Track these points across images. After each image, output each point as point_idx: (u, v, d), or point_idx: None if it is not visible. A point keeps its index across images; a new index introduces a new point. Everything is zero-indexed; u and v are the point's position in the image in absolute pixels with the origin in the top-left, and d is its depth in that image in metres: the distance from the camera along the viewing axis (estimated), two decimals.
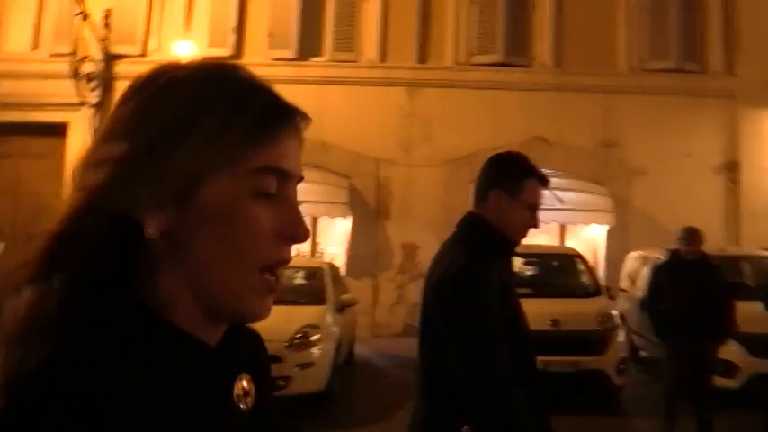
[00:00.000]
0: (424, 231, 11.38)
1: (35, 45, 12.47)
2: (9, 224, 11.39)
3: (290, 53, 12.35)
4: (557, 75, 12.27)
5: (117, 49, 12.14)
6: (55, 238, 0.69)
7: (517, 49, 12.44)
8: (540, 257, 8.66)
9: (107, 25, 11.64)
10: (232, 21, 12.46)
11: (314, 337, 6.77)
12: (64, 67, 10.77)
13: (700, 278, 5.54)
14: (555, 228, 11.66)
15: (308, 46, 12.48)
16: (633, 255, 9.73)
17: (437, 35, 12.52)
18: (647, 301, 6.08)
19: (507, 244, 2.15)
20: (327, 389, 6.85)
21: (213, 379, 0.74)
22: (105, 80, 11.94)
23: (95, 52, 11.47)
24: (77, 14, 10.60)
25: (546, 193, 2.21)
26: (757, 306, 5.73)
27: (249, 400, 0.78)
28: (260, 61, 11.58)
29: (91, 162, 0.71)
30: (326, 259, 10.42)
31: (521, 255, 7.43)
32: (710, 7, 12.39)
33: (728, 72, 12.24)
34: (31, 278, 0.67)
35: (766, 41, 11.95)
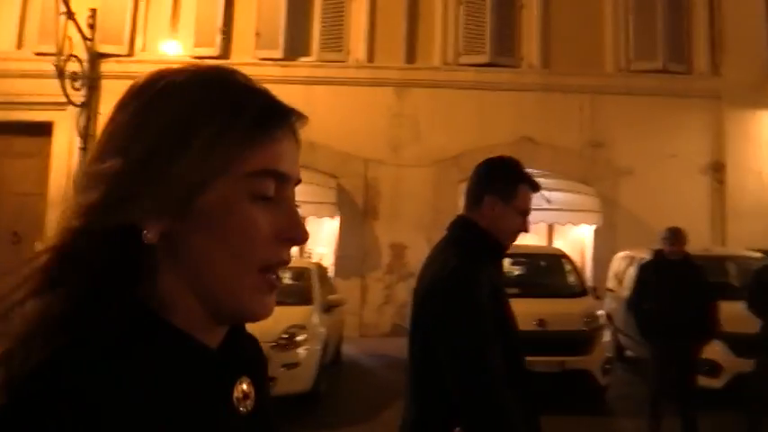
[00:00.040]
0: (412, 231, 11.40)
1: (20, 44, 12.35)
2: None
3: (278, 53, 12.29)
4: (544, 75, 12.31)
5: (103, 48, 12.04)
6: (56, 254, 0.69)
7: (505, 49, 12.46)
8: (526, 258, 8.70)
9: (92, 25, 11.54)
10: (219, 20, 12.37)
11: (300, 338, 6.76)
12: (49, 66, 10.66)
13: (683, 278, 5.58)
14: (543, 228, 11.69)
15: (296, 46, 12.44)
16: (620, 255, 9.78)
17: (425, 35, 12.52)
18: (631, 300, 6.11)
19: (498, 248, 2.18)
20: (313, 389, 6.85)
21: (213, 381, 0.75)
22: (91, 79, 11.86)
23: (81, 51, 11.36)
24: (62, 13, 10.49)
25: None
26: (741, 306, 5.77)
27: (249, 403, 0.79)
28: (247, 61, 11.54)
29: (91, 174, 0.71)
30: (314, 259, 10.39)
31: (507, 255, 7.45)
32: (696, 9, 12.49)
33: (714, 73, 12.32)
34: (35, 292, 0.68)
35: (751, 42, 12.07)
